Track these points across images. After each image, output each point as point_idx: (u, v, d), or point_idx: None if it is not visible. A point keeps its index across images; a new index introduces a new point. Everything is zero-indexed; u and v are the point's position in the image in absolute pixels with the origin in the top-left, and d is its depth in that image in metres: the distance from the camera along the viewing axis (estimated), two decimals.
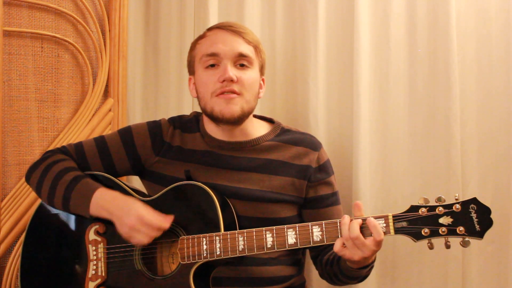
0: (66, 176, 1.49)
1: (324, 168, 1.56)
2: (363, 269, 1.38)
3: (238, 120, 1.49)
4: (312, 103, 1.96)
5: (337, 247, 1.29)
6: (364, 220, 1.29)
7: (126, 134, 1.59)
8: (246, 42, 1.53)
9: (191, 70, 1.58)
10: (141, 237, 1.38)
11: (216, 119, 1.49)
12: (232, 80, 1.46)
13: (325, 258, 1.51)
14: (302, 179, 1.52)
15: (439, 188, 1.83)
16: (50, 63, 1.89)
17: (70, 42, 1.91)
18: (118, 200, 1.44)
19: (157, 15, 2.19)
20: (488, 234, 1.25)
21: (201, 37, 1.57)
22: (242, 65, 1.50)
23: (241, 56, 1.50)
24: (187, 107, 2.08)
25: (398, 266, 1.92)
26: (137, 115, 2.20)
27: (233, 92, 1.47)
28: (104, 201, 1.44)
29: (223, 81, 1.47)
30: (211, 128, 1.55)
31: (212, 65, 1.50)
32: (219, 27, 1.56)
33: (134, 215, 1.38)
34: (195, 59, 1.55)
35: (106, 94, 2.00)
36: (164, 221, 1.39)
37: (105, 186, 1.49)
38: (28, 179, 1.58)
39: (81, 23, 1.93)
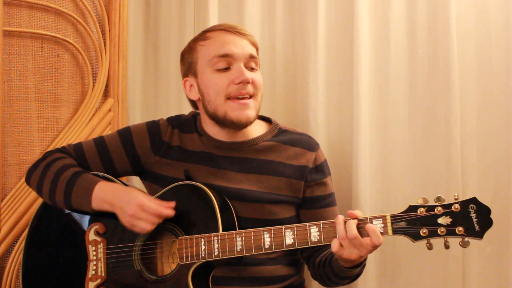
0: (66, 172, 1.49)
1: (320, 169, 1.56)
2: (356, 268, 1.38)
3: (251, 124, 1.49)
4: (312, 104, 1.95)
5: (334, 247, 1.28)
6: (360, 220, 1.28)
7: (125, 134, 1.59)
8: (251, 44, 1.53)
9: (193, 73, 1.54)
10: (143, 224, 1.38)
11: (229, 124, 1.48)
12: (248, 82, 1.46)
13: (318, 259, 1.51)
14: (299, 179, 1.52)
15: (439, 188, 1.83)
16: (50, 63, 1.90)
17: (70, 42, 1.91)
18: (118, 191, 1.44)
19: (157, 15, 2.19)
20: (488, 234, 1.24)
21: (202, 38, 1.54)
22: (251, 67, 1.50)
23: (251, 57, 1.50)
24: (187, 107, 2.06)
25: (398, 266, 1.91)
26: (137, 115, 2.20)
27: (249, 94, 1.47)
28: (105, 194, 1.44)
29: (240, 83, 1.46)
30: (211, 129, 1.54)
31: (225, 68, 1.47)
32: (222, 29, 1.53)
33: (134, 203, 1.38)
34: (198, 60, 1.52)
35: (106, 94, 2.00)
36: (164, 207, 1.39)
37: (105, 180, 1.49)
38: (28, 179, 1.58)
39: (81, 23, 1.93)
